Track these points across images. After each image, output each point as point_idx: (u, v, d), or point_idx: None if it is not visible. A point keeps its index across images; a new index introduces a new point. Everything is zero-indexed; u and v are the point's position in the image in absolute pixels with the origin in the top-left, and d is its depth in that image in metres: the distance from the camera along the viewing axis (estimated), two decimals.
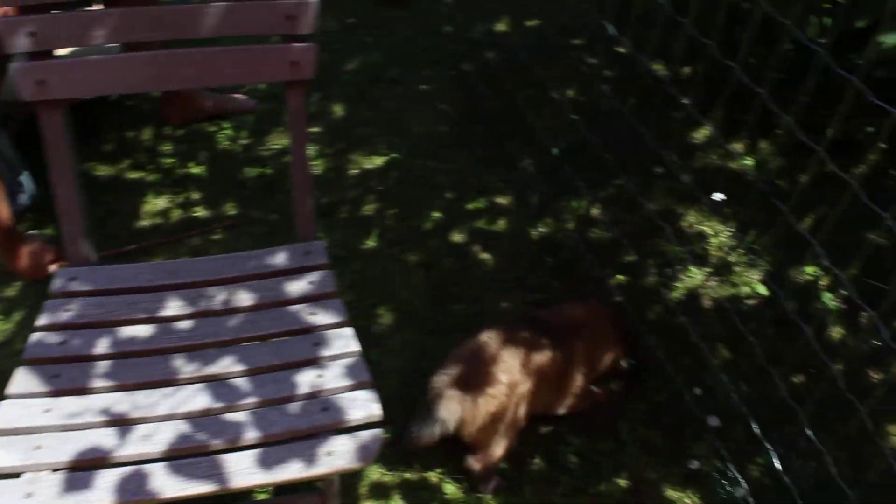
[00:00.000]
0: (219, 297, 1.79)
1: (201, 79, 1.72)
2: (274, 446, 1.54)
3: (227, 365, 1.66)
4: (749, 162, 2.96)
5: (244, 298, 1.79)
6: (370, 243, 2.70)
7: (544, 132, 3.02)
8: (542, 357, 2.09)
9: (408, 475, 2.16)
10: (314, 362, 1.67)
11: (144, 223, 2.73)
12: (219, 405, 1.59)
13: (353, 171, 2.94)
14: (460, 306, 2.54)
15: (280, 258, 1.86)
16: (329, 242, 2.69)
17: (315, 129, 3.09)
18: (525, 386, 2.04)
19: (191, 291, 1.80)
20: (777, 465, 2.10)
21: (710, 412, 2.30)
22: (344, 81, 3.28)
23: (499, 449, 2.09)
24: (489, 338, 2.07)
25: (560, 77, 3.31)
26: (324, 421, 1.56)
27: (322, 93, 3.23)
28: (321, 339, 1.71)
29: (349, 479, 2.14)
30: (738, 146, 3.02)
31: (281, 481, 1.51)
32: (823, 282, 2.62)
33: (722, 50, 1.95)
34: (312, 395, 1.61)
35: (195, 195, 2.84)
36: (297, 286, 1.81)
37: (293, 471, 1.51)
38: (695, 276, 2.64)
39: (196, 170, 2.92)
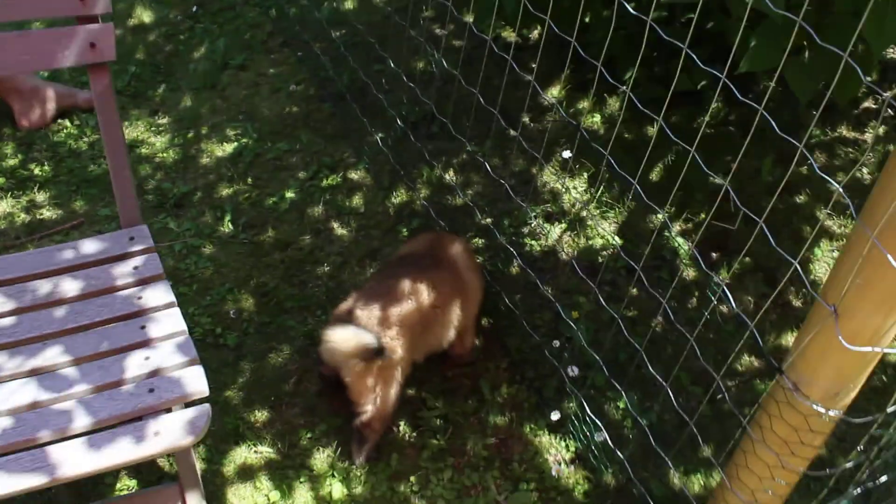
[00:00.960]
0: (42, 290, 1.73)
1: None
2: (103, 432, 1.50)
3: (52, 356, 1.60)
4: (595, 119, 3.02)
5: (69, 289, 1.73)
6: (224, 229, 2.66)
7: (396, 105, 3.02)
8: (419, 296, 2.07)
9: (273, 454, 2.14)
10: (142, 345, 1.63)
11: None
12: (45, 397, 1.54)
13: (205, 160, 2.88)
14: (317, 284, 2.52)
15: (104, 246, 1.81)
16: (182, 232, 2.63)
17: (163, 121, 3.01)
18: (404, 337, 2.02)
19: (10, 288, 1.73)
20: (628, 406, 2.16)
21: (571, 364, 2.35)
22: (191, 70, 3.21)
23: (386, 403, 2.07)
24: (361, 294, 2.05)
25: (408, 50, 3.31)
26: (151, 402, 1.53)
27: (168, 84, 3.16)
28: (148, 321, 1.68)
29: (212, 465, 2.11)
30: (585, 104, 3.08)
31: (111, 466, 1.47)
32: (676, 228, 2.71)
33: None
34: (140, 378, 1.57)
35: (40, 197, 2.73)
36: (122, 272, 1.77)
37: (122, 454, 1.47)
38: (551, 232, 2.69)
39: (39, 171, 2.81)
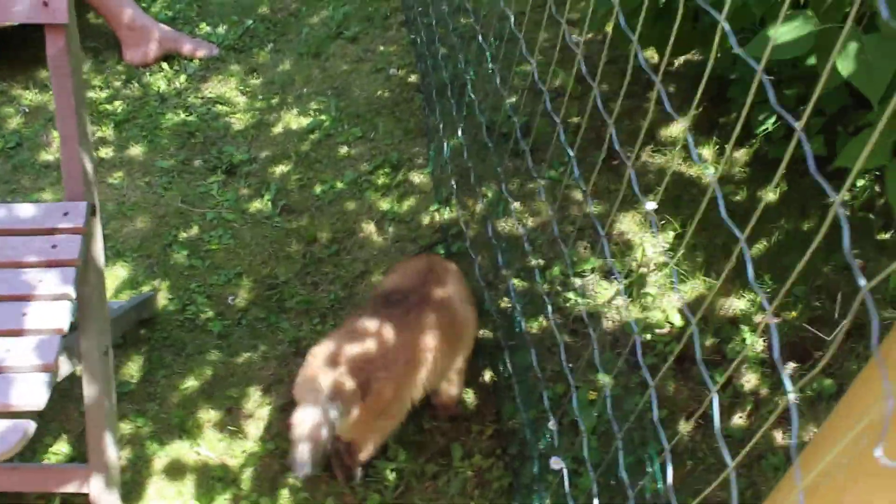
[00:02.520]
0: None
1: None
2: None
3: None
4: (711, 170, 2.58)
5: None
6: (260, 207, 2.52)
7: (490, 111, 2.74)
8: (402, 342, 1.83)
9: (210, 460, 2.01)
10: (12, 334, 1.52)
11: (49, 157, 2.66)
12: None
13: (276, 131, 2.75)
14: (328, 289, 2.33)
15: (35, 214, 1.71)
16: (218, 202, 2.53)
17: (255, 82, 2.92)
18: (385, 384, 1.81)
19: None
20: None
21: (559, 453, 2.01)
22: (301, 35, 3.09)
23: (371, 446, 1.93)
24: (342, 338, 1.82)
25: (527, 53, 2.99)
26: None
27: (276, 44, 3.06)
28: (32, 309, 1.56)
29: (146, 453, 2.01)
30: (705, 151, 2.64)
31: None
32: (753, 319, 2.26)
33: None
34: None
35: (109, 133, 2.73)
36: (39, 247, 1.65)
37: None
38: (604, 291, 2.33)
39: (121, 108, 2.81)
